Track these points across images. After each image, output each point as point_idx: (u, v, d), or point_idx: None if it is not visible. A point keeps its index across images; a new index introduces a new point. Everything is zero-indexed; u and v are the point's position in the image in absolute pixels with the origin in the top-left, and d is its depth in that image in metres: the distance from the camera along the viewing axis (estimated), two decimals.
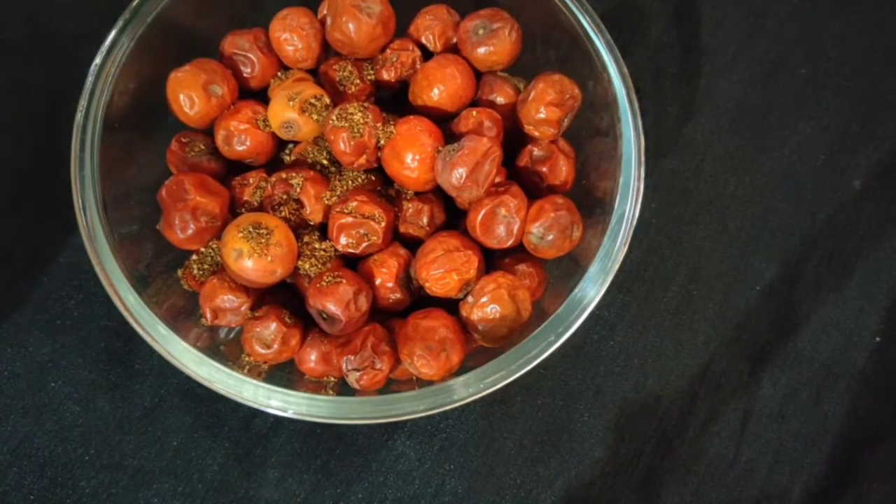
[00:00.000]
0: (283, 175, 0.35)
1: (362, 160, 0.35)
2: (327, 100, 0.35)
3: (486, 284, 0.33)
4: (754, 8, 0.48)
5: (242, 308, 0.33)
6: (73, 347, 0.40)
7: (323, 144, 0.37)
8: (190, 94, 0.35)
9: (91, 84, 0.34)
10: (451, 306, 0.34)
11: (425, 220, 0.36)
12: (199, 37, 0.38)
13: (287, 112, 0.35)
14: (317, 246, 0.34)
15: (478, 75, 0.38)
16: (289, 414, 0.32)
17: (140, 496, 0.38)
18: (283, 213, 0.35)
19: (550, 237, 0.34)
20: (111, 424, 0.39)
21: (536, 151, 0.36)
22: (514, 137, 0.37)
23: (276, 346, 0.33)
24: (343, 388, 0.34)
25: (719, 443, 0.41)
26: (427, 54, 0.39)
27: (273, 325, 0.33)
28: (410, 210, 0.36)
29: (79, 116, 0.33)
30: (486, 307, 0.33)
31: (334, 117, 0.34)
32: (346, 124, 0.34)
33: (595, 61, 0.36)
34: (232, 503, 0.38)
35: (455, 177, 0.33)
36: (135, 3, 0.35)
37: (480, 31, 0.37)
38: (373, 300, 0.34)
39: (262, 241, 0.32)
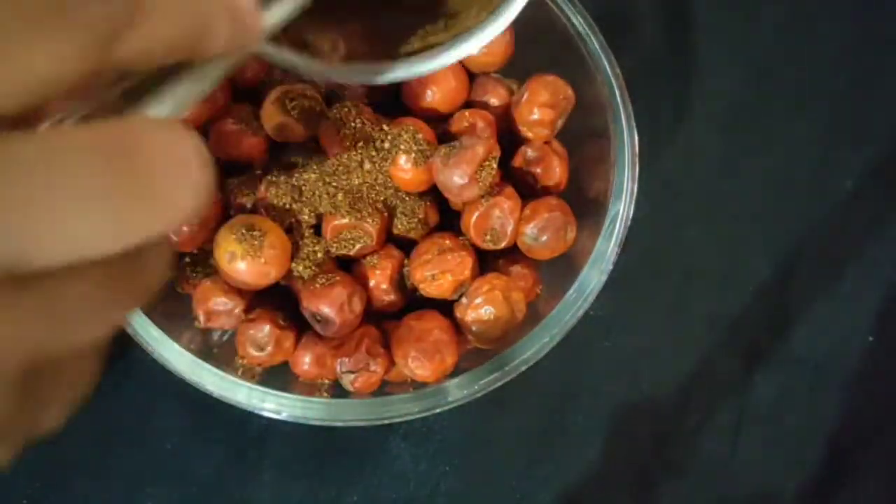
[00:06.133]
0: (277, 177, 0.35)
1: None
2: (321, 101, 0.35)
3: (480, 286, 0.33)
4: (747, 9, 0.48)
5: (236, 310, 0.33)
6: None
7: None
8: None
9: None
10: (445, 308, 0.34)
11: (419, 222, 0.36)
12: None
13: (279, 115, 0.35)
14: (311, 248, 0.34)
15: (471, 77, 0.38)
16: (283, 416, 0.32)
17: (134, 500, 0.38)
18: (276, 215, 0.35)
19: (544, 238, 0.34)
20: (104, 428, 0.39)
21: (530, 153, 0.36)
22: (507, 139, 0.37)
23: (269, 348, 0.33)
24: (337, 391, 0.34)
25: (714, 442, 0.41)
26: None
27: (266, 328, 0.33)
28: (404, 211, 0.35)
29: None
30: (481, 308, 0.33)
31: (328, 119, 0.34)
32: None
33: (588, 62, 0.36)
34: None
35: (457, 175, 0.32)
36: None
37: None
38: (367, 302, 0.34)
39: (256, 243, 0.31)
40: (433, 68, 0.23)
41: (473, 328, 0.33)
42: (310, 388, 0.34)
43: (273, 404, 0.31)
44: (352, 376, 0.33)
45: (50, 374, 0.13)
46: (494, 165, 0.33)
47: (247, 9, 0.16)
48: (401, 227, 0.35)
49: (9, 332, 0.12)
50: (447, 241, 0.34)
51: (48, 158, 0.11)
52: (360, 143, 0.34)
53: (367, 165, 0.34)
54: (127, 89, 0.15)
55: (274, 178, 0.34)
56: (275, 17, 0.18)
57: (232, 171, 0.37)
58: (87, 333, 0.13)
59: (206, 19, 0.14)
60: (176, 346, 0.32)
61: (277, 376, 0.34)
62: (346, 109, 0.34)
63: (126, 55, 0.13)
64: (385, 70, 0.23)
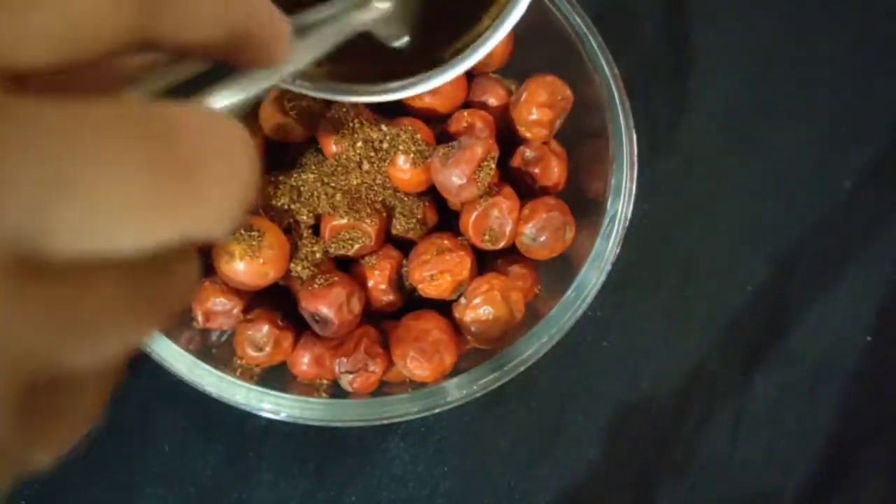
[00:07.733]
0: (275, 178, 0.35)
1: None
2: (319, 102, 0.35)
3: (478, 286, 0.33)
4: (745, 9, 0.48)
5: (234, 311, 0.33)
6: None
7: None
8: None
9: None
10: (444, 308, 0.34)
11: (417, 222, 0.36)
12: None
13: (278, 115, 0.35)
14: (309, 248, 0.34)
15: (470, 77, 0.38)
16: (281, 416, 0.32)
17: (133, 500, 0.38)
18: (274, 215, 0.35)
19: (543, 238, 0.34)
20: (102, 428, 0.39)
21: (528, 153, 0.36)
22: (506, 139, 0.37)
23: (268, 348, 0.33)
24: (336, 391, 0.34)
25: (713, 442, 0.41)
26: None
27: (265, 328, 0.33)
28: (403, 212, 0.35)
29: None
30: (479, 308, 0.33)
31: (326, 119, 0.34)
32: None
33: (587, 62, 0.36)
34: None
35: (455, 176, 0.32)
36: None
37: None
38: (365, 302, 0.34)
39: (254, 243, 0.32)
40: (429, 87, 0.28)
41: (472, 328, 0.33)
42: (308, 388, 0.34)
43: (272, 405, 0.31)
44: (350, 376, 0.33)
45: (50, 397, 0.11)
46: (493, 165, 0.33)
47: (275, 15, 0.16)
48: (399, 227, 0.35)
49: (11, 333, 0.09)
50: (446, 242, 0.34)
51: (78, 127, 0.09)
52: (359, 144, 0.34)
53: (366, 166, 0.34)
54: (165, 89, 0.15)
55: (272, 179, 0.34)
56: (305, 60, 0.21)
57: None
58: (102, 349, 0.11)
59: (243, 13, 0.14)
60: (175, 346, 0.31)
61: (276, 377, 0.34)
62: (344, 110, 0.34)
63: (163, 29, 0.12)
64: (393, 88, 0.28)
